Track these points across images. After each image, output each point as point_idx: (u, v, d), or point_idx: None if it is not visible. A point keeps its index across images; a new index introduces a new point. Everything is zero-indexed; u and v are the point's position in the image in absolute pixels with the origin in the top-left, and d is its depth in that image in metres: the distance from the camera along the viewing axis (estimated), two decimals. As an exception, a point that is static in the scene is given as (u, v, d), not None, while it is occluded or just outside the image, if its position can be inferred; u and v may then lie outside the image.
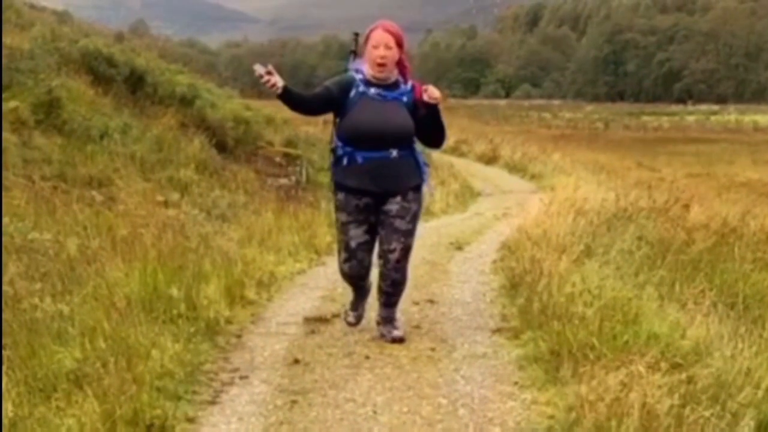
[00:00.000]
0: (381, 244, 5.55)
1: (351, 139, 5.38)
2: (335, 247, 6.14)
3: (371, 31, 5.37)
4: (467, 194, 18.69)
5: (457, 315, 6.62)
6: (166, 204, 9.90)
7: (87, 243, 6.87)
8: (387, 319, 5.76)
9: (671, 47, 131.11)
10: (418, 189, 5.58)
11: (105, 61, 15.08)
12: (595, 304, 5.55)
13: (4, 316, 4.80)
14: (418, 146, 5.64)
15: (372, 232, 5.57)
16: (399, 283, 5.66)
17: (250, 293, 6.88)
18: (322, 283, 7.65)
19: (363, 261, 5.63)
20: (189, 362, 5.00)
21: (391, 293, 5.69)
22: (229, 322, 6.08)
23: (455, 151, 30.32)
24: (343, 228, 5.56)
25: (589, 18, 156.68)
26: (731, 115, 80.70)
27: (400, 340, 5.64)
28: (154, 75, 16.30)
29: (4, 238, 6.46)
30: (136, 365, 4.52)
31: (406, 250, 5.57)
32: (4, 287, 5.18)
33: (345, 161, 5.42)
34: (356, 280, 5.76)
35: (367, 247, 5.61)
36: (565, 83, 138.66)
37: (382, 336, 5.72)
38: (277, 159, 16.95)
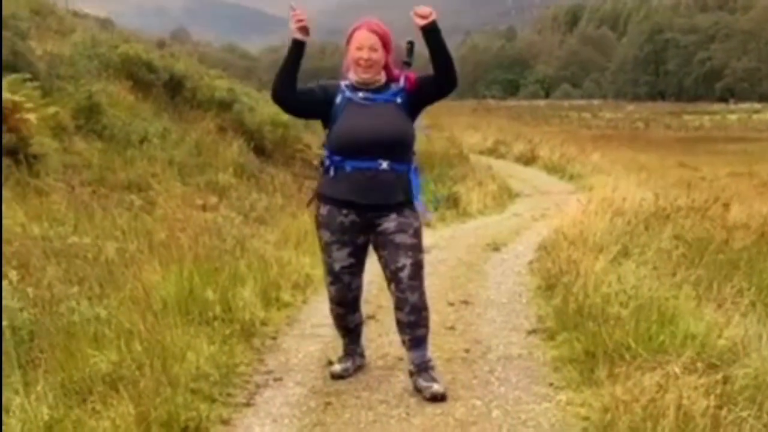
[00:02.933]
0: (387, 266, 4.84)
1: (339, 147, 4.77)
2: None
3: (354, 30, 4.80)
4: (505, 195, 18.60)
5: (492, 316, 6.61)
6: (204, 207, 9.95)
7: (125, 246, 6.93)
8: (421, 367, 4.88)
9: (712, 46, 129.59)
10: (412, 206, 4.87)
11: (144, 67, 15.27)
12: (631, 305, 5.52)
13: (42, 319, 4.86)
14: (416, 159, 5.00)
15: (358, 254, 4.93)
16: (419, 308, 4.83)
17: (286, 295, 6.92)
18: (358, 285, 7.65)
19: (350, 284, 4.98)
20: (224, 364, 5.03)
21: (415, 323, 4.84)
22: (264, 324, 6.13)
23: (493, 152, 30.22)
24: (326, 248, 4.91)
25: (628, 18, 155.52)
26: (774, 113, 79.65)
27: (441, 398, 4.72)
28: (193, 80, 16.48)
29: (43, 243, 6.55)
30: (172, 367, 4.56)
31: (418, 267, 4.80)
32: (43, 291, 5.25)
33: (332, 172, 4.81)
34: (345, 308, 5.08)
35: (352, 270, 4.95)
36: (605, 83, 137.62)
37: (419, 391, 4.80)
38: (315, 162, 16.97)
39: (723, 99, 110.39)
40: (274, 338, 5.89)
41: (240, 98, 17.05)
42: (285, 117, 16.97)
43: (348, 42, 4.82)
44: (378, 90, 4.83)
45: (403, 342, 4.96)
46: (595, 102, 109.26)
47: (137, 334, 4.86)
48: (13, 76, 9.47)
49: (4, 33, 10.41)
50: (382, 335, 5.93)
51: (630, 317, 5.30)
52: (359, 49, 4.75)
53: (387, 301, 5.65)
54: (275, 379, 5.04)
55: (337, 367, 5.15)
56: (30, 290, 5.28)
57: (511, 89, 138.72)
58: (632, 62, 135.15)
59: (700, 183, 19.61)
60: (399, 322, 4.90)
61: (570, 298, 6.17)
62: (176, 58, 18.84)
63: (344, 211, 4.81)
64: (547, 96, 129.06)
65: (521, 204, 17.70)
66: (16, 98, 8.79)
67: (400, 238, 4.77)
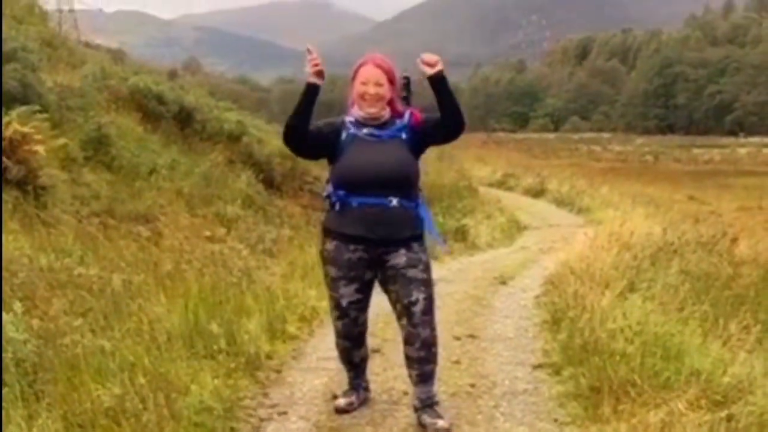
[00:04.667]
0: (399, 300, 4.79)
1: (344, 183, 4.74)
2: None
3: (360, 66, 4.79)
4: (513, 228, 18.63)
5: (499, 350, 6.59)
6: (211, 239, 9.97)
7: (131, 278, 6.93)
8: (426, 402, 4.89)
9: (722, 80, 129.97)
10: (421, 241, 4.84)
11: (154, 98, 15.36)
12: (637, 340, 5.51)
13: (46, 351, 4.86)
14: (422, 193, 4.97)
15: (365, 290, 4.90)
16: (430, 343, 4.82)
17: (292, 328, 6.91)
18: (364, 318, 7.65)
19: (357, 319, 4.96)
20: (228, 398, 5.01)
21: (424, 359, 4.83)
22: (269, 357, 6.10)
23: (502, 184, 30.32)
24: (332, 284, 4.88)
25: (638, 51, 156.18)
26: (784, 147, 79.62)
27: None
28: (203, 112, 16.56)
29: (49, 274, 6.55)
30: (175, 401, 4.54)
31: (430, 301, 4.78)
32: (47, 323, 5.24)
33: (338, 207, 4.78)
34: (351, 343, 5.07)
35: (359, 305, 4.92)
36: (615, 116, 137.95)
37: (423, 426, 4.80)
38: (323, 194, 17.02)
39: (733, 133, 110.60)
40: (279, 371, 5.87)
41: (249, 130, 17.14)
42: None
43: (353, 77, 4.81)
44: (383, 126, 4.81)
45: (410, 376, 4.94)
46: (605, 135, 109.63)
47: (141, 367, 4.85)
48: (23, 108, 9.52)
49: (14, 65, 10.48)
50: (387, 369, 5.92)
51: (635, 353, 5.29)
52: (364, 83, 4.74)
53: (392, 334, 5.66)
54: (279, 413, 5.02)
55: (341, 402, 5.11)
56: (35, 322, 5.28)
57: (521, 122, 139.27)
58: (642, 95, 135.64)
59: (708, 217, 19.57)
60: (408, 357, 4.88)
61: (576, 333, 6.15)
62: (186, 90, 18.97)
63: (351, 247, 4.77)
64: (556, 129, 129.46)
65: (529, 237, 17.72)
66: (26, 130, 8.83)
67: (412, 273, 4.73)
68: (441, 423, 4.76)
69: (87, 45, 29.07)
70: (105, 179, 11.07)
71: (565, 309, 7.13)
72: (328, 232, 4.88)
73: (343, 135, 4.81)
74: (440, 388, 5.41)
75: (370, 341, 5.43)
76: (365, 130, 4.80)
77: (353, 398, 5.15)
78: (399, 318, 4.85)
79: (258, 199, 14.11)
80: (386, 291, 4.89)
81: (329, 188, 4.86)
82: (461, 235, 15.41)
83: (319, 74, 4.72)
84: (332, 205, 4.83)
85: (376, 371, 5.78)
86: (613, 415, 4.63)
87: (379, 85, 4.75)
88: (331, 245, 4.84)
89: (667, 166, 57.40)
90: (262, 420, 4.92)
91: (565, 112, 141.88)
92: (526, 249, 14.85)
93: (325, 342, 6.62)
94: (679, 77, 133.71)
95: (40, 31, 15.71)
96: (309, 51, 4.69)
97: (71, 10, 55.80)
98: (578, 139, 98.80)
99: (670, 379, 4.93)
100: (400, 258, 4.75)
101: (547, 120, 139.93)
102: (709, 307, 6.57)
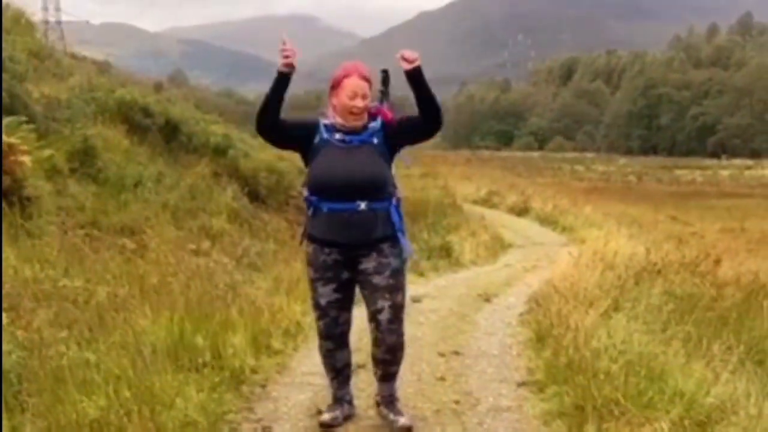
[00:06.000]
0: (367, 306, 4.92)
1: (316, 189, 4.82)
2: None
3: (344, 77, 4.78)
4: (497, 245, 18.64)
5: (483, 367, 6.59)
6: (196, 252, 9.96)
7: (116, 291, 6.92)
8: (388, 399, 5.09)
9: (705, 102, 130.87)
10: (393, 243, 4.88)
11: (141, 111, 15.34)
12: (621, 360, 5.52)
13: (30, 363, 4.84)
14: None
15: (344, 290, 4.94)
16: (396, 348, 4.93)
17: (277, 342, 6.88)
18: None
19: (337, 319, 4.99)
20: (212, 412, 5.00)
21: (389, 361, 4.97)
22: (254, 371, 6.09)
23: (487, 202, 30.36)
24: (311, 285, 4.97)
25: (622, 72, 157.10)
26: (765, 169, 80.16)
27: (408, 430, 4.96)
28: (189, 125, 16.55)
29: (34, 285, 6.54)
30: (160, 414, 4.54)
31: (397, 309, 4.86)
32: (32, 334, 5.24)
33: (311, 211, 4.88)
34: (333, 343, 5.07)
35: (339, 305, 4.96)
36: (599, 136, 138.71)
37: (384, 419, 5.04)
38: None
39: (715, 154, 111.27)
40: (263, 386, 5.86)
41: (235, 144, 17.15)
42: (280, 164, 17.11)
43: (336, 86, 4.82)
44: (355, 131, 4.85)
45: (375, 374, 5.10)
46: (588, 155, 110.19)
47: (126, 380, 4.84)
48: (10, 118, 9.50)
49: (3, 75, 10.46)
50: (371, 384, 5.89)
51: (619, 372, 5.31)
52: (352, 98, 4.76)
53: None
54: (264, 428, 5.02)
55: (326, 416, 5.09)
56: (19, 333, 5.27)
57: (505, 140, 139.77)
58: (625, 116, 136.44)
59: (691, 238, 19.68)
60: (374, 358, 5.02)
61: (560, 351, 6.17)
62: (173, 102, 18.96)
63: (326, 250, 4.85)
64: (540, 148, 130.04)
65: (513, 255, 17.74)
66: (12, 140, 8.81)
67: (377, 280, 4.81)
68: (402, 420, 4.96)
69: (73, 57, 28.99)
70: (90, 191, 11.04)
71: (549, 327, 7.14)
72: (307, 235, 4.96)
73: (317, 138, 4.85)
74: (425, 405, 5.44)
75: (355, 356, 5.43)
76: (337, 136, 4.83)
77: (338, 413, 5.13)
78: (369, 321, 4.95)
79: (243, 212, 14.10)
80: (361, 294, 4.98)
81: (305, 192, 4.93)
82: (445, 251, 15.40)
83: (290, 65, 4.73)
84: (308, 208, 4.94)
85: (361, 387, 5.76)
86: (597, 434, 4.64)
87: (365, 97, 4.79)
88: (309, 248, 4.93)
89: (650, 187, 57.64)
90: (246, 434, 4.91)
91: (549, 131, 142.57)
92: (510, 267, 14.86)
93: (310, 357, 6.61)
94: (663, 99, 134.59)
95: (26, 42, 15.65)
96: (283, 41, 4.71)
97: (58, 22, 55.82)
98: (562, 158, 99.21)
99: (654, 398, 4.94)
100: (370, 262, 4.82)
101: (531, 139, 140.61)
102: (692, 328, 6.61)
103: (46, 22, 49.87)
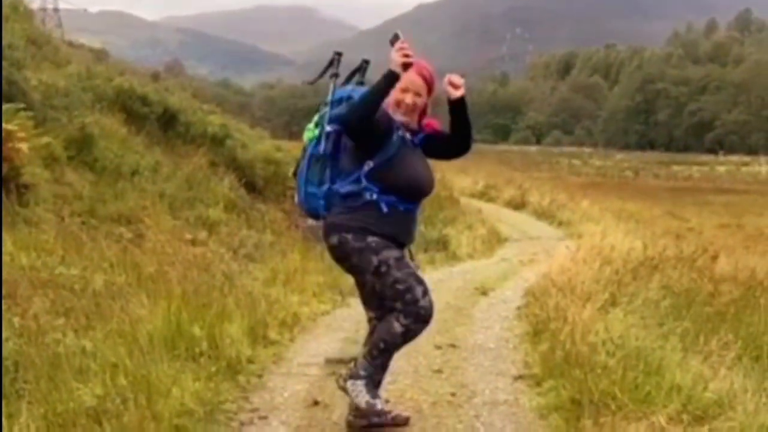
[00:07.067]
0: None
1: (398, 189, 4.59)
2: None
3: (406, 69, 4.46)
4: (494, 239, 18.65)
5: (479, 360, 6.59)
6: (193, 242, 9.94)
7: (113, 279, 6.91)
8: (354, 374, 4.78)
9: (703, 98, 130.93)
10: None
11: (139, 100, 15.29)
12: (618, 354, 5.52)
13: (27, 350, 4.83)
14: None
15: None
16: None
17: (273, 333, 6.89)
18: (346, 324, 7.66)
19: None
20: (209, 401, 5.01)
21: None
22: (250, 361, 6.09)
23: (484, 195, 30.34)
24: (398, 264, 4.59)
25: (621, 67, 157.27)
26: (762, 166, 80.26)
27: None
28: (186, 114, 16.50)
29: (31, 273, 6.53)
30: (156, 402, 4.53)
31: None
32: (29, 321, 5.22)
33: (384, 208, 4.58)
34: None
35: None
36: (596, 131, 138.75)
37: (344, 391, 4.80)
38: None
39: (712, 150, 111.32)
40: (260, 376, 5.86)
41: (233, 134, 17.10)
42: (277, 154, 17.07)
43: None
44: (412, 130, 4.74)
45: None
46: (586, 149, 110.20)
47: (123, 368, 4.83)
48: (7, 105, 9.47)
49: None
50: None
51: (616, 366, 5.30)
52: (404, 91, 4.62)
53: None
54: (260, 418, 5.01)
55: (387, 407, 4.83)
56: (16, 320, 5.25)
57: (503, 134, 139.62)
58: (623, 111, 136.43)
59: (688, 234, 19.69)
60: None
61: (557, 345, 6.16)
62: (170, 92, 18.90)
63: (390, 243, 4.63)
64: (538, 142, 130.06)
65: (510, 249, 17.75)
66: (9, 127, 8.78)
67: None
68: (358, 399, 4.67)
69: (71, 44, 28.85)
70: (87, 179, 11.02)
71: (546, 321, 7.14)
72: (365, 231, 4.59)
73: (395, 136, 4.62)
74: (421, 397, 5.44)
75: (354, 350, 5.42)
76: (408, 135, 4.70)
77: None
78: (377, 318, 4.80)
79: (240, 203, 14.07)
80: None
81: (364, 182, 4.60)
82: (442, 245, 15.43)
83: (407, 66, 4.42)
84: (369, 204, 4.61)
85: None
86: (593, 427, 4.63)
87: (418, 95, 4.66)
88: (374, 237, 4.58)
89: (647, 182, 57.67)
90: (242, 424, 4.90)
91: (546, 125, 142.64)
92: (506, 260, 14.87)
93: (306, 348, 6.62)
94: (661, 94, 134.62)
95: (25, 29, 15.58)
96: (398, 37, 4.43)
97: (56, 9, 55.64)
98: (559, 152, 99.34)
99: (651, 393, 4.94)
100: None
101: (528, 133, 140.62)
102: (689, 323, 6.61)
103: (44, 10, 49.69)
